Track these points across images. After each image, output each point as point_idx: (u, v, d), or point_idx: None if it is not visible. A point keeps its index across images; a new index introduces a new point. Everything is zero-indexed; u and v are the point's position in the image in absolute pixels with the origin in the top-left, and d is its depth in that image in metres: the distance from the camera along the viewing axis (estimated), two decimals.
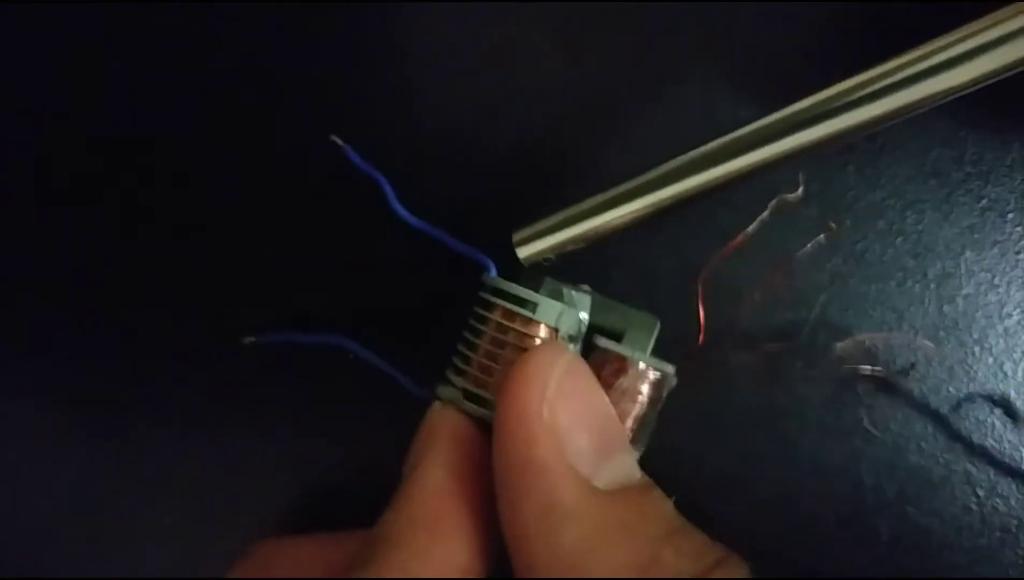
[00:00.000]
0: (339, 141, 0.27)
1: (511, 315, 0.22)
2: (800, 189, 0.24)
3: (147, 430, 0.30)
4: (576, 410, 0.19)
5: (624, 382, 0.22)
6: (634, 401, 0.22)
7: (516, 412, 0.18)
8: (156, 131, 0.30)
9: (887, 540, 0.27)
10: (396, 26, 0.29)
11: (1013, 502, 0.26)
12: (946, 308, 0.27)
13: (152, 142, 0.30)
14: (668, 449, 0.27)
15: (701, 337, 0.24)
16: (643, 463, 0.28)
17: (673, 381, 0.23)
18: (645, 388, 0.23)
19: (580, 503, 0.18)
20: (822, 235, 0.26)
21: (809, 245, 0.25)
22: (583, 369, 0.20)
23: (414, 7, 0.29)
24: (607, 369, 0.23)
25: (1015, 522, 0.26)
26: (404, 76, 0.29)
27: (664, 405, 0.23)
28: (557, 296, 0.23)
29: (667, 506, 0.19)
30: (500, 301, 0.23)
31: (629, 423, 0.22)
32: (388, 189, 0.26)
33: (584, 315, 0.23)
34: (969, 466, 0.26)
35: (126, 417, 0.30)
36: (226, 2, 0.29)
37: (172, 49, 0.30)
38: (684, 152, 0.23)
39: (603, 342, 0.23)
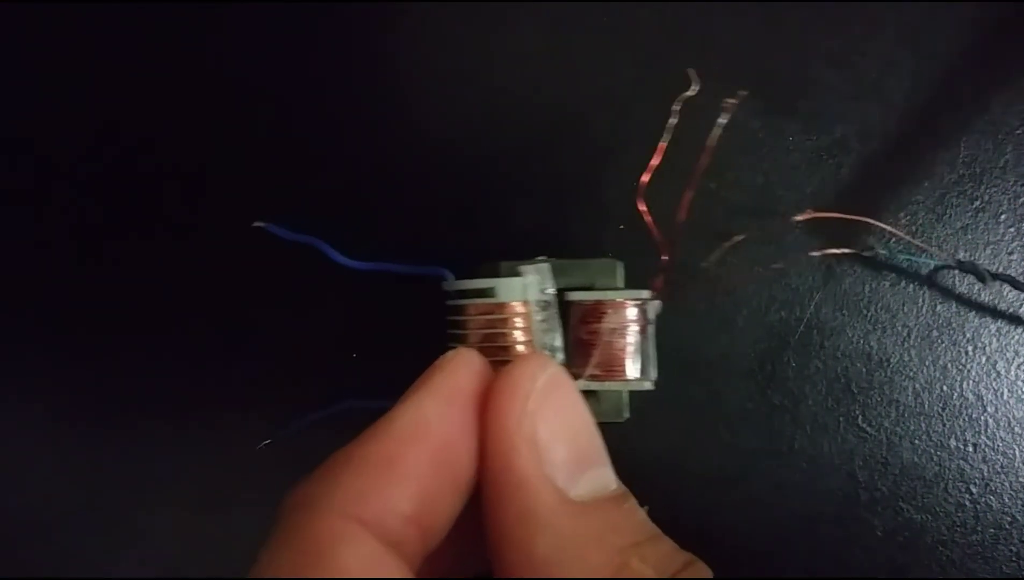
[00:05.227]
0: (262, 224, 0.27)
1: (481, 308, 0.23)
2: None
3: (147, 430, 0.30)
4: (555, 423, 0.19)
5: (609, 322, 0.24)
6: (624, 335, 0.24)
7: (496, 425, 0.19)
8: (157, 134, 0.30)
9: (881, 536, 0.27)
10: (385, 31, 0.29)
11: (1006, 499, 0.26)
12: (939, 307, 0.27)
13: (152, 144, 0.30)
14: (663, 446, 0.28)
15: (664, 253, 0.25)
16: (637, 461, 0.28)
17: (656, 305, 0.25)
18: (630, 320, 0.24)
19: (554, 513, 0.18)
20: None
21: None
22: (565, 382, 0.20)
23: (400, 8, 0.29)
24: (589, 317, 0.24)
25: (1008, 519, 0.26)
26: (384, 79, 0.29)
27: (657, 330, 0.25)
28: (515, 274, 0.24)
29: (638, 516, 0.20)
30: (465, 301, 0.24)
31: (629, 357, 0.24)
32: (326, 248, 0.26)
33: (548, 281, 0.24)
34: (963, 463, 0.27)
35: (126, 417, 0.31)
36: (224, 3, 0.30)
37: (169, 50, 0.30)
38: None
39: (576, 295, 0.25)
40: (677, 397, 0.27)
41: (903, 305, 0.27)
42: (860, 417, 0.27)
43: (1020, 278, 0.26)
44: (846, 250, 0.26)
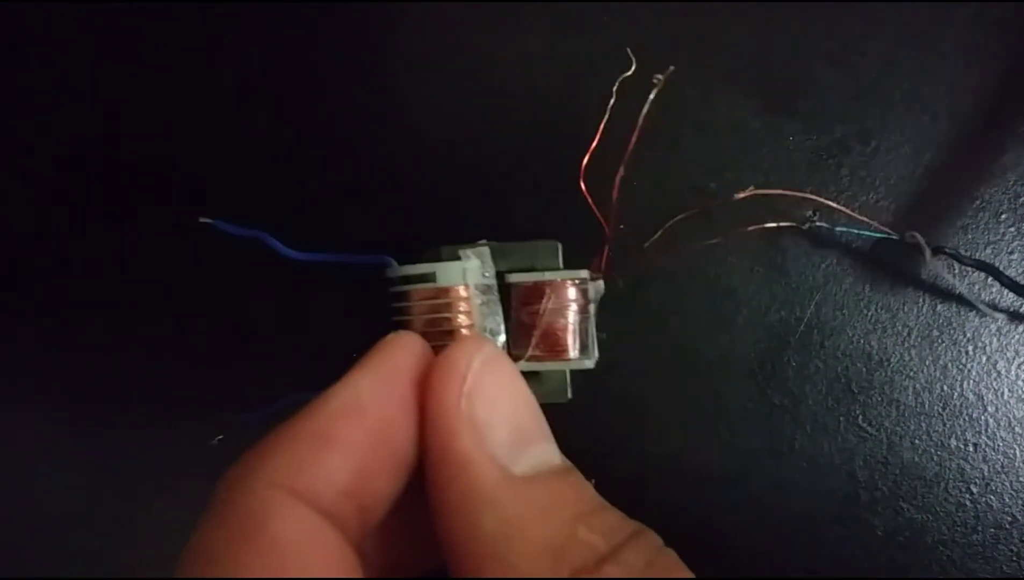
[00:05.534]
0: (208, 220, 0.27)
1: (422, 294, 0.23)
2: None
3: (148, 430, 0.30)
4: (494, 402, 0.19)
5: (548, 302, 0.24)
6: (564, 315, 0.24)
7: (436, 406, 0.19)
8: (155, 131, 0.30)
9: (881, 536, 0.27)
10: (390, 30, 0.29)
11: (1007, 499, 0.26)
12: (939, 307, 0.27)
13: (151, 142, 0.30)
14: (664, 447, 0.28)
15: (608, 231, 0.25)
16: (638, 462, 0.28)
17: (599, 285, 0.25)
18: (570, 299, 0.24)
19: (498, 489, 0.18)
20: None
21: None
22: (502, 361, 0.21)
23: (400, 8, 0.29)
24: (529, 298, 0.24)
25: (1008, 519, 0.26)
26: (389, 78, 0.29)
27: (598, 309, 0.25)
28: (455, 258, 0.24)
29: (585, 489, 0.20)
30: (407, 287, 0.24)
31: (570, 337, 0.24)
32: (271, 241, 0.26)
33: (488, 264, 0.24)
34: (963, 463, 0.27)
35: (126, 417, 0.31)
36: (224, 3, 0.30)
37: (169, 49, 0.30)
38: None
39: (515, 277, 0.25)
40: (677, 397, 0.27)
41: (903, 305, 0.27)
42: (860, 417, 0.27)
43: (1000, 267, 0.26)
44: (784, 223, 0.26)
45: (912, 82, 0.27)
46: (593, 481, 0.20)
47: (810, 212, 0.26)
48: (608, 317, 0.28)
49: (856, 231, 0.26)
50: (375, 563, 0.21)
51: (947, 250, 0.26)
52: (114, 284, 0.30)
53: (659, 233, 0.26)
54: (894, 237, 0.26)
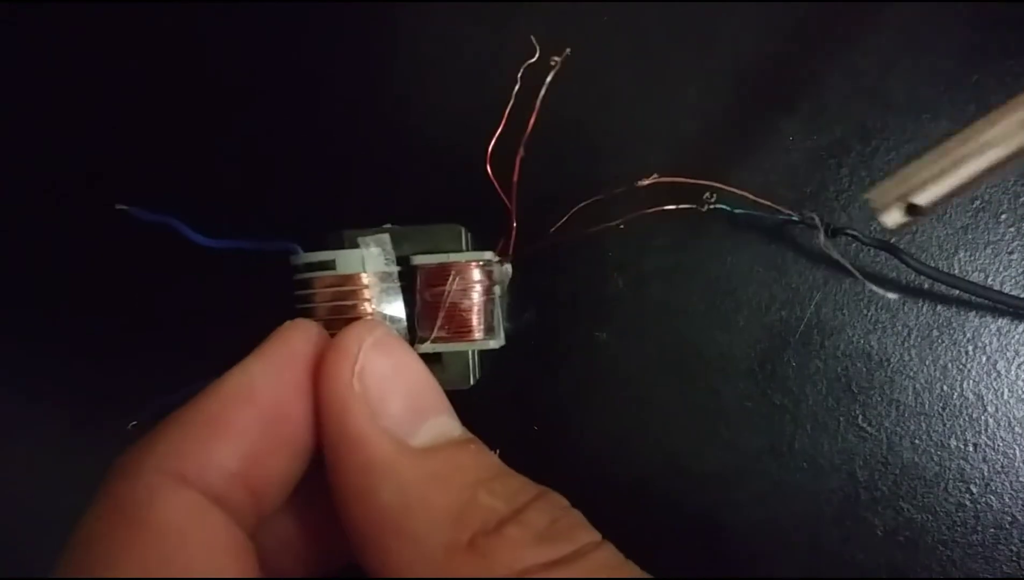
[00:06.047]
0: (124, 206, 0.27)
1: (324, 281, 0.23)
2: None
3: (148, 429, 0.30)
4: (386, 379, 0.20)
5: (452, 283, 0.24)
6: (469, 296, 0.25)
7: (328, 387, 0.19)
8: (144, 126, 0.30)
9: (881, 536, 0.27)
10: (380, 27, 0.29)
11: (1007, 499, 0.26)
12: (940, 307, 0.27)
13: (141, 137, 0.30)
14: (664, 447, 0.28)
15: (513, 213, 0.25)
16: (637, 461, 0.28)
17: (505, 267, 0.25)
18: (474, 281, 0.25)
19: (394, 461, 0.18)
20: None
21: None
22: (393, 340, 0.21)
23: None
24: (434, 279, 0.25)
25: (1008, 519, 0.26)
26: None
27: (505, 292, 0.26)
28: (355, 245, 0.24)
29: (486, 457, 0.20)
30: (309, 274, 0.24)
31: (475, 317, 0.24)
32: (181, 226, 0.26)
33: (388, 250, 0.24)
34: (963, 463, 0.27)
35: (126, 417, 0.31)
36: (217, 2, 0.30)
37: (157, 47, 0.30)
38: None
39: (419, 259, 0.25)
40: (677, 397, 0.27)
41: (903, 305, 0.27)
42: (860, 417, 0.27)
43: (1000, 266, 0.26)
44: (684, 205, 0.26)
45: (912, 82, 0.27)
46: (498, 451, 0.20)
47: (707, 194, 0.26)
48: (608, 317, 0.28)
49: (757, 213, 0.26)
50: (294, 552, 0.21)
51: (847, 232, 0.26)
52: (116, 284, 0.30)
53: (564, 219, 0.26)
54: (795, 218, 0.26)
